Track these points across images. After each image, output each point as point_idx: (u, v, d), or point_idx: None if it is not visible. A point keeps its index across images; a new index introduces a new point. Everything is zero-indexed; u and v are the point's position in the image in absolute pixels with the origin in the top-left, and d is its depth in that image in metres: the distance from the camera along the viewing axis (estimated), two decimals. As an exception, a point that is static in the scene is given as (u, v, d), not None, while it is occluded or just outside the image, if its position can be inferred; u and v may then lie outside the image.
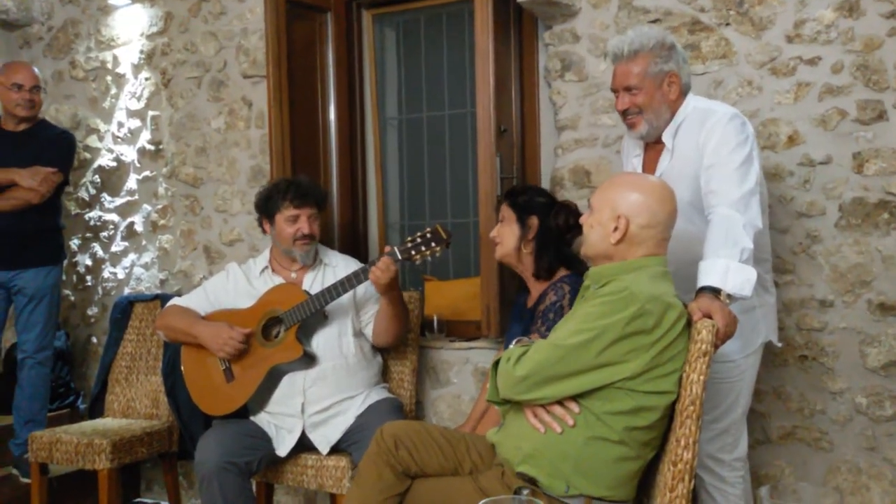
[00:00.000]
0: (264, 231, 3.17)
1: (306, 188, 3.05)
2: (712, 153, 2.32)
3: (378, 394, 3.06)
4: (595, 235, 2.11)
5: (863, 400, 2.77)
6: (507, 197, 2.86)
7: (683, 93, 2.46)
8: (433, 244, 2.83)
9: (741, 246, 2.11)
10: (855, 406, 2.79)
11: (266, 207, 3.09)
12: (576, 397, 2.00)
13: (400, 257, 2.83)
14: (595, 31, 3.16)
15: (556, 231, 2.75)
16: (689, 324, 2.01)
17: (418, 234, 2.85)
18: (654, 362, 1.93)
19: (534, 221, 2.76)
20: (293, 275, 3.11)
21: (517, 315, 2.87)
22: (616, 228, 2.06)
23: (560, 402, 2.02)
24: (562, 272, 2.74)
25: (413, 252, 2.84)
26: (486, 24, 3.06)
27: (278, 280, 3.10)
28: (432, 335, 3.47)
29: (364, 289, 3.01)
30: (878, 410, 2.75)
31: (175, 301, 3.20)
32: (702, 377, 1.88)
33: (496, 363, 2.11)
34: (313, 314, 2.93)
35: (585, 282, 2.18)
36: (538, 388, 2.00)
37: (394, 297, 2.95)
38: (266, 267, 3.15)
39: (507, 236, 2.79)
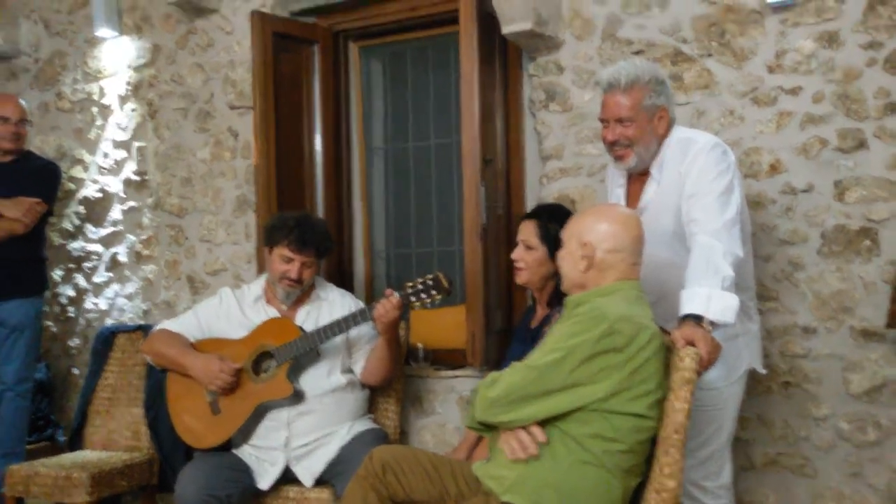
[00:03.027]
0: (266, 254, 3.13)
1: (310, 237, 2.98)
2: (694, 182, 2.33)
3: (363, 424, 3.03)
4: (566, 266, 2.18)
5: (846, 426, 2.77)
6: (534, 218, 2.75)
7: (670, 127, 2.48)
8: (433, 292, 2.81)
9: (722, 274, 2.12)
10: (838, 432, 2.79)
11: (269, 236, 3.04)
12: (554, 421, 2.00)
13: (400, 302, 2.82)
14: (579, 63, 3.19)
15: None
16: (671, 351, 2.01)
17: (419, 280, 2.83)
18: (627, 383, 1.94)
19: None
20: (285, 307, 3.08)
21: (520, 335, 2.85)
22: (584, 256, 2.11)
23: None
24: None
25: (412, 298, 2.82)
26: (471, 56, 3.09)
27: (272, 311, 3.06)
28: (417, 364, 3.45)
29: (358, 328, 2.97)
30: (862, 436, 2.75)
31: (164, 325, 3.13)
32: (686, 405, 1.88)
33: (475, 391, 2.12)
34: (306, 353, 2.90)
35: (564, 310, 2.19)
36: (511, 409, 2.00)
37: (392, 337, 2.92)
38: (260, 296, 3.10)
39: (535, 266, 2.71)
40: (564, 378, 1.94)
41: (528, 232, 2.74)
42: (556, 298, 2.71)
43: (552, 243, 2.66)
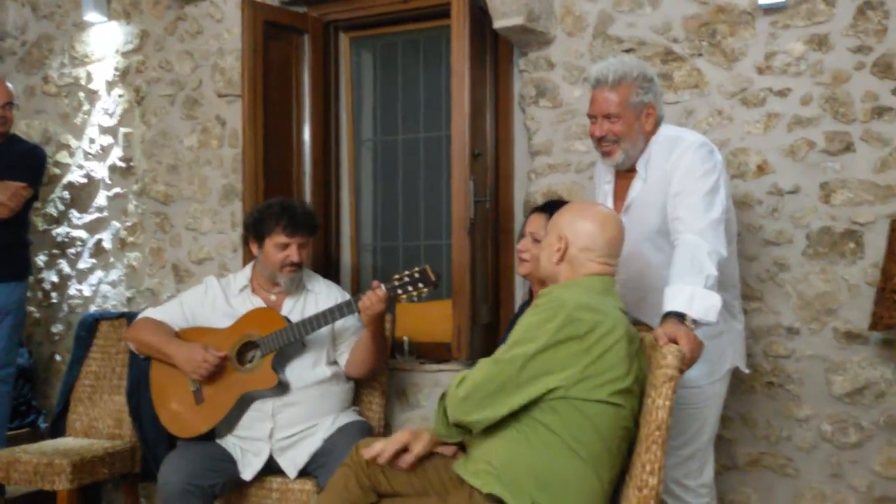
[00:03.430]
0: (251, 251, 3.11)
1: (301, 217, 2.99)
2: (679, 181, 2.34)
3: (347, 416, 3.03)
4: (543, 257, 2.23)
5: (828, 427, 2.80)
6: (545, 212, 2.72)
7: (658, 124, 2.49)
8: (420, 284, 2.80)
9: (706, 273, 2.14)
10: (820, 433, 2.81)
11: (256, 229, 3.02)
12: (525, 410, 2.02)
13: (387, 294, 2.81)
14: (570, 59, 3.20)
15: None
16: (653, 348, 2.02)
17: (406, 272, 2.82)
18: (591, 370, 1.96)
19: None
20: (273, 297, 3.06)
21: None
22: (558, 249, 2.16)
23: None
24: None
25: (399, 290, 2.81)
26: (462, 50, 3.09)
27: (258, 301, 3.05)
28: (403, 357, 3.46)
29: (344, 320, 2.97)
30: (843, 438, 2.78)
31: (148, 313, 3.11)
32: (667, 402, 1.89)
33: (442, 397, 2.15)
34: (291, 343, 2.90)
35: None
36: (481, 406, 2.02)
37: (377, 330, 2.92)
38: (246, 286, 3.09)
39: (538, 257, 2.71)
40: (530, 370, 1.97)
41: (537, 225, 2.72)
42: None
43: None
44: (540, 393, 1.98)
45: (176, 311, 3.10)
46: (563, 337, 1.95)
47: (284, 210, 2.99)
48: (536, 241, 2.71)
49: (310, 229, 3.03)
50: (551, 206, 2.77)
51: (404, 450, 2.25)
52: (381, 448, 2.22)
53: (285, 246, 2.97)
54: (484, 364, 2.06)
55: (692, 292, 2.10)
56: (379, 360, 3.05)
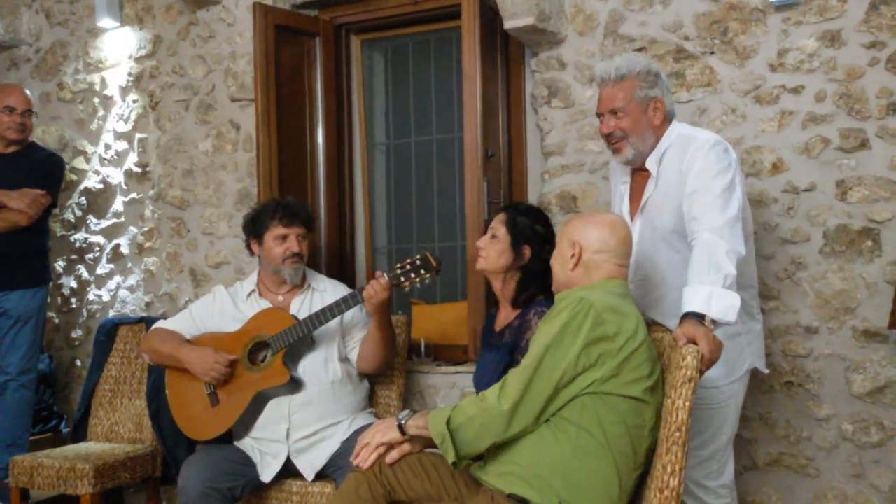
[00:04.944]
0: (252, 252, 3.16)
1: (295, 208, 3.06)
2: (694, 180, 2.33)
3: (364, 418, 3.04)
4: (557, 266, 2.26)
5: (849, 426, 2.79)
6: (506, 211, 2.73)
7: (668, 120, 2.48)
8: (422, 271, 2.83)
9: (724, 272, 2.13)
10: (841, 433, 2.80)
11: (254, 228, 3.08)
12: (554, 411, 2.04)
13: (389, 283, 2.83)
14: (581, 59, 3.19)
15: (546, 265, 2.57)
16: (672, 348, 2.02)
17: (408, 260, 2.85)
18: (622, 368, 1.99)
19: (527, 252, 2.65)
20: (280, 298, 3.10)
21: (487, 340, 2.80)
22: (573, 255, 2.18)
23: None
24: (539, 297, 2.67)
25: (402, 278, 2.83)
26: (473, 51, 3.09)
27: (265, 304, 3.08)
28: (419, 359, 3.47)
29: (352, 314, 3.01)
30: (864, 437, 2.77)
31: (160, 324, 3.17)
32: (687, 403, 1.89)
33: (447, 422, 2.10)
34: (300, 339, 2.92)
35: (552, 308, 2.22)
36: (531, 416, 2.02)
37: (383, 320, 2.93)
38: (253, 290, 3.13)
39: (494, 256, 2.66)
40: (570, 373, 1.99)
41: (496, 221, 2.72)
42: (522, 300, 2.67)
43: (518, 235, 2.65)
44: (576, 393, 2.00)
45: (186, 319, 3.15)
46: (597, 336, 1.98)
47: (279, 204, 3.06)
48: (494, 236, 2.69)
49: (306, 220, 3.08)
50: (512, 206, 2.78)
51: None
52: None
53: (284, 237, 3.01)
54: (519, 372, 2.04)
55: (711, 292, 2.10)
56: (388, 353, 3.06)
